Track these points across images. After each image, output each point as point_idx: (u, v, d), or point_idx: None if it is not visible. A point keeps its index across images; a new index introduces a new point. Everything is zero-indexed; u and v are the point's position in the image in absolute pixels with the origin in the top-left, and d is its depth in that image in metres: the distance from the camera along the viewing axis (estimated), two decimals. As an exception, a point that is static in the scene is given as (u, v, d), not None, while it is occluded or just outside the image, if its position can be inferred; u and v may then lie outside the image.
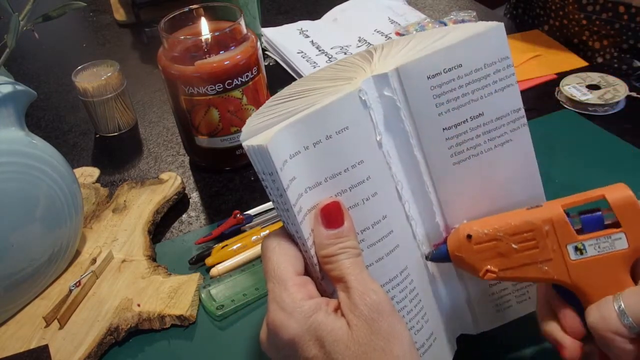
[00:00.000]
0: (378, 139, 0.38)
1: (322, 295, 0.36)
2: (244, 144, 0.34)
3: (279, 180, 0.34)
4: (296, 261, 0.36)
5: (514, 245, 0.37)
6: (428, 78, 0.38)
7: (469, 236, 0.37)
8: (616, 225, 0.35)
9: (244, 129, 0.37)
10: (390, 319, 0.34)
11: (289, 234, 0.37)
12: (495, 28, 0.38)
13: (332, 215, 0.36)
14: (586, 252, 0.36)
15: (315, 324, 0.33)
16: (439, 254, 0.40)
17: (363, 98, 0.37)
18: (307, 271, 0.38)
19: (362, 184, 0.37)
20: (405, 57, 0.38)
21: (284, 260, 0.36)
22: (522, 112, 0.40)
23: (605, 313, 0.34)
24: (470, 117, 0.39)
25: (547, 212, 0.36)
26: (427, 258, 0.41)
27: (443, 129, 0.39)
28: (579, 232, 0.36)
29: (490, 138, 0.40)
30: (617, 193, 0.35)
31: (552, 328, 0.38)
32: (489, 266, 0.37)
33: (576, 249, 0.36)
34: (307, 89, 0.39)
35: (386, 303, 0.34)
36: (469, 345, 0.46)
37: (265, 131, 0.34)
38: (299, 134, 0.35)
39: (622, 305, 0.33)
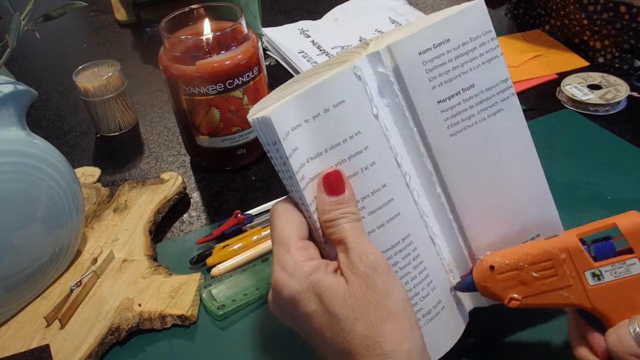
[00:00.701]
0: (374, 112, 0.40)
1: (324, 259, 0.39)
2: (250, 119, 0.38)
3: (282, 150, 0.37)
4: (300, 227, 0.39)
5: (534, 274, 0.39)
6: (419, 54, 0.40)
7: (492, 267, 0.40)
8: (629, 251, 0.37)
9: (251, 110, 0.40)
10: (385, 276, 0.36)
11: (294, 202, 0.40)
12: (476, 4, 0.41)
13: (333, 184, 0.38)
14: (603, 277, 0.37)
15: (315, 281, 0.36)
16: (466, 284, 0.42)
17: (357, 74, 0.39)
18: (311, 236, 0.40)
19: (360, 153, 0.39)
20: (397, 38, 0.41)
21: (289, 226, 0.39)
22: (510, 82, 0.43)
23: (623, 336, 0.35)
24: (462, 89, 0.41)
25: (563, 241, 0.38)
26: (455, 289, 0.43)
27: (437, 101, 0.41)
28: (595, 259, 0.38)
29: (483, 108, 0.42)
30: (628, 220, 0.37)
31: (583, 352, 0.39)
32: (513, 294, 0.39)
33: (593, 275, 0.37)
34: (306, 76, 0.42)
35: (382, 262, 0.36)
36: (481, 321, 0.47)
37: (270, 106, 0.37)
38: (300, 107, 0.38)
39: (637, 329, 0.35)
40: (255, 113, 0.38)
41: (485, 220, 0.44)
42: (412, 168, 0.42)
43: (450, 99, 0.41)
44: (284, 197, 0.42)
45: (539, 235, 0.45)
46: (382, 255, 0.37)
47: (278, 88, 0.43)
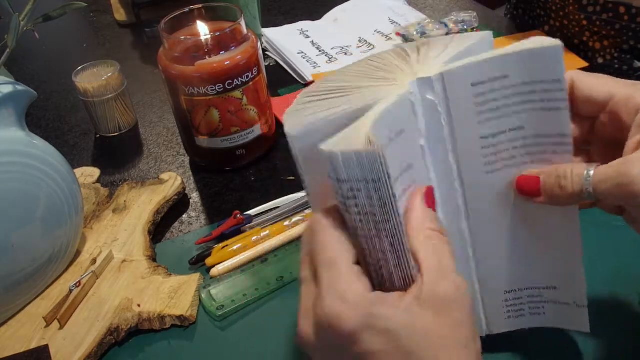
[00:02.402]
0: (422, 143, 0.38)
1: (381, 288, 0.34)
2: (335, 150, 0.30)
3: (387, 187, 0.31)
4: (352, 248, 0.33)
5: None
6: (472, 85, 0.36)
7: None
8: None
9: (293, 128, 0.35)
10: (469, 311, 0.32)
11: (341, 222, 0.34)
12: (552, 47, 0.35)
13: (431, 199, 0.35)
14: None
15: (382, 315, 0.30)
16: None
17: (412, 100, 0.36)
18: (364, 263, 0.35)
19: (409, 188, 0.36)
20: (448, 62, 0.37)
21: (340, 247, 0.33)
22: (569, 139, 0.37)
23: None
24: (509, 129, 0.38)
25: None
26: None
27: (481, 137, 0.38)
28: None
29: (528, 152, 0.38)
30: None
31: None
32: None
33: None
34: (349, 86, 0.38)
35: (468, 296, 0.32)
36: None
37: (347, 133, 0.32)
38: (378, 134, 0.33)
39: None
40: (310, 136, 0.32)
41: (503, 262, 0.42)
42: (439, 198, 0.40)
43: (494, 136, 0.38)
44: (322, 214, 0.34)
45: (555, 288, 0.43)
46: (467, 287, 0.32)
47: (308, 92, 0.39)
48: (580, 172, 0.35)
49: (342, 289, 0.31)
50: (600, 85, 0.38)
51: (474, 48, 0.39)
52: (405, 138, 0.35)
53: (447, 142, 0.38)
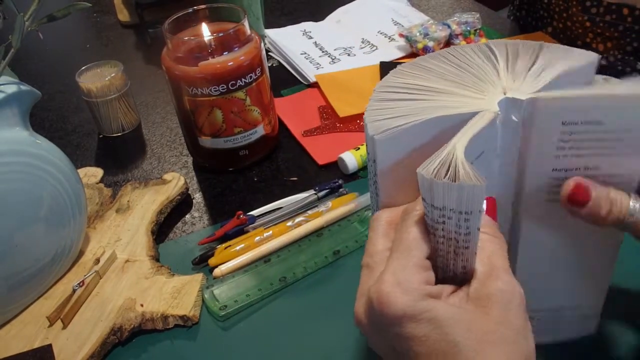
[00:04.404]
0: (498, 167, 0.36)
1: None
2: (439, 181, 0.30)
3: (476, 219, 0.31)
4: (428, 245, 0.34)
5: None
6: (562, 124, 0.34)
7: None
8: None
9: (377, 131, 0.34)
10: (522, 313, 0.32)
11: (426, 222, 0.34)
12: None
13: (490, 207, 0.36)
14: None
15: (433, 307, 0.31)
16: None
17: (498, 123, 0.35)
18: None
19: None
20: (541, 82, 0.36)
21: (422, 235, 0.33)
22: (636, 177, 0.36)
23: None
24: (585, 167, 0.36)
25: None
26: None
27: (553, 169, 0.37)
28: None
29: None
30: None
31: None
32: None
33: None
34: (431, 87, 0.37)
35: (520, 296, 0.32)
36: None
37: (443, 159, 0.31)
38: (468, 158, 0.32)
39: None
40: (433, 171, 0.30)
41: (539, 283, 0.41)
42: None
43: (567, 171, 0.36)
44: (412, 206, 0.35)
45: (581, 305, 0.43)
46: (520, 288, 0.32)
47: (386, 84, 0.38)
48: (627, 203, 0.36)
49: (403, 275, 0.32)
50: None
51: (574, 72, 0.36)
52: (483, 159, 0.35)
53: (513, 166, 0.37)
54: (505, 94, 0.35)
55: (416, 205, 0.34)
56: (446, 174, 0.30)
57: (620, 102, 0.34)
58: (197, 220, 0.66)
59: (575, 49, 0.38)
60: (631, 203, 0.36)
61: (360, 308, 0.34)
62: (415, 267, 0.32)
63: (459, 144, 0.31)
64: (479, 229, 0.31)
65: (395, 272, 0.32)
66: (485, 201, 0.34)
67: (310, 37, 1.01)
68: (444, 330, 0.31)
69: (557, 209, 0.37)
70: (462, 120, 0.34)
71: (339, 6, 1.10)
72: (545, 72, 0.36)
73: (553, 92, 0.34)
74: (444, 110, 0.34)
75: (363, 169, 0.69)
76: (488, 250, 0.33)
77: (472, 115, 0.34)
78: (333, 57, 0.94)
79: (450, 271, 0.33)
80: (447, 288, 0.33)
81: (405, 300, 0.31)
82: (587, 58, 0.37)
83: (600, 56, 0.35)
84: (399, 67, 0.40)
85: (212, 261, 0.58)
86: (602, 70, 0.82)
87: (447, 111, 0.34)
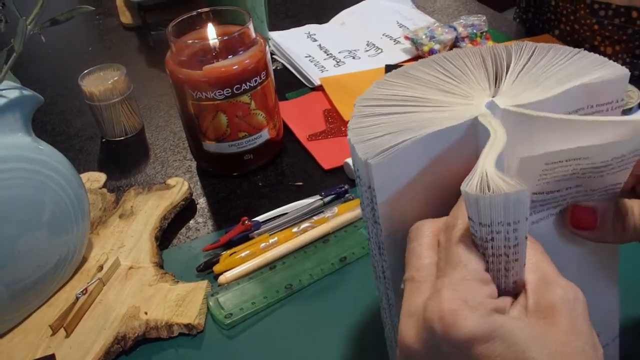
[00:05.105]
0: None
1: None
2: (484, 195, 0.28)
3: (523, 226, 0.29)
4: (482, 259, 0.31)
5: None
6: (546, 164, 0.33)
7: None
8: None
9: (369, 155, 0.32)
10: (586, 317, 0.30)
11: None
12: None
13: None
14: None
15: (503, 323, 0.28)
16: None
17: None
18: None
19: None
20: (544, 97, 0.34)
21: (474, 254, 0.30)
22: (620, 185, 0.35)
23: None
24: (566, 188, 0.35)
25: None
26: None
27: (534, 192, 0.35)
28: None
29: (576, 201, 0.36)
30: None
31: None
32: None
33: None
34: (417, 96, 0.36)
35: (583, 300, 0.30)
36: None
37: (482, 176, 0.29)
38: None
39: None
40: (477, 186, 0.29)
41: None
42: None
43: (548, 193, 0.35)
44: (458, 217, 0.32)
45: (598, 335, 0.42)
46: (580, 292, 0.30)
47: (365, 106, 0.36)
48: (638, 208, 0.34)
49: (465, 290, 0.28)
50: None
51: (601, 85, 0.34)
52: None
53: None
54: (493, 97, 0.34)
55: (457, 220, 0.31)
56: (489, 190, 0.28)
57: (611, 148, 0.32)
58: (201, 225, 0.65)
59: (609, 61, 0.36)
60: None
61: (410, 331, 0.30)
62: (476, 280, 0.29)
63: (487, 161, 0.30)
64: (526, 238, 0.29)
65: (456, 288, 0.28)
66: None
67: (315, 40, 1.00)
68: (519, 347, 0.28)
69: (544, 229, 0.36)
70: (458, 130, 0.32)
71: (344, 8, 1.10)
72: (561, 83, 0.35)
73: (532, 155, 0.32)
74: (437, 123, 0.33)
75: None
76: (533, 258, 0.31)
77: (469, 124, 0.32)
78: (338, 60, 0.93)
79: (502, 290, 0.31)
80: (507, 300, 0.30)
81: (475, 319, 0.28)
82: (615, 72, 0.35)
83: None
84: (385, 76, 0.38)
85: (217, 268, 0.57)
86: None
87: (440, 123, 0.33)
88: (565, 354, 0.28)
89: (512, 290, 0.31)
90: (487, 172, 0.29)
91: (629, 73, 0.35)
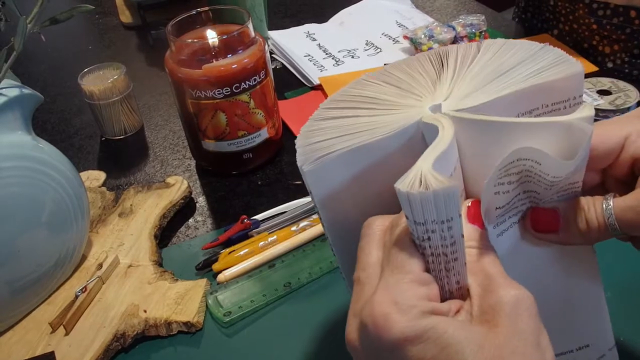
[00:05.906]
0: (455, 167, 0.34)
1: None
2: (413, 192, 0.28)
3: (457, 224, 0.28)
4: (422, 259, 0.31)
5: None
6: (499, 169, 0.32)
7: None
8: None
9: (306, 161, 0.32)
10: (534, 319, 0.29)
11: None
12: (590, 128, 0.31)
13: (471, 213, 0.33)
14: None
15: (436, 325, 0.28)
16: None
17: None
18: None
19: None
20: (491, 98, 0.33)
21: (413, 256, 0.30)
22: (580, 184, 0.34)
23: None
24: (524, 191, 0.34)
25: None
26: None
27: (496, 207, 0.34)
28: None
29: (536, 204, 0.36)
30: None
31: None
32: None
33: None
34: (373, 97, 0.36)
35: (530, 301, 0.30)
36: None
37: (415, 174, 0.29)
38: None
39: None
40: (409, 185, 0.28)
41: None
42: None
43: (508, 203, 0.34)
44: (397, 219, 0.32)
45: (588, 346, 0.40)
46: (527, 291, 0.30)
47: (333, 100, 0.37)
48: (599, 204, 0.33)
49: (398, 292, 0.28)
50: (613, 132, 0.35)
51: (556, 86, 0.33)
52: (458, 174, 0.33)
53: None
54: (444, 100, 0.33)
55: (401, 219, 0.31)
56: (420, 187, 0.28)
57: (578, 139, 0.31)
58: (200, 224, 0.65)
59: (568, 57, 0.35)
60: (602, 203, 0.33)
61: (353, 333, 0.30)
62: (412, 282, 0.29)
63: (426, 160, 0.29)
64: (462, 236, 0.29)
65: (389, 289, 0.29)
66: (466, 206, 0.33)
67: (314, 39, 1.00)
68: (453, 349, 0.27)
69: (509, 239, 0.35)
70: (398, 137, 0.32)
71: (343, 8, 1.10)
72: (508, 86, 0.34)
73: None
74: (379, 127, 0.32)
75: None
76: (479, 263, 0.31)
77: (415, 128, 0.32)
78: (337, 59, 0.93)
79: (447, 292, 0.31)
80: (455, 304, 0.30)
81: (404, 321, 0.28)
82: (569, 69, 0.34)
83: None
84: (362, 75, 0.38)
85: (216, 266, 0.57)
86: (609, 73, 0.82)
87: (382, 129, 0.32)
88: (502, 357, 0.27)
89: (457, 290, 0.31)
90: (422, 170, 0.28)
91: (584, 70, 0.34)
